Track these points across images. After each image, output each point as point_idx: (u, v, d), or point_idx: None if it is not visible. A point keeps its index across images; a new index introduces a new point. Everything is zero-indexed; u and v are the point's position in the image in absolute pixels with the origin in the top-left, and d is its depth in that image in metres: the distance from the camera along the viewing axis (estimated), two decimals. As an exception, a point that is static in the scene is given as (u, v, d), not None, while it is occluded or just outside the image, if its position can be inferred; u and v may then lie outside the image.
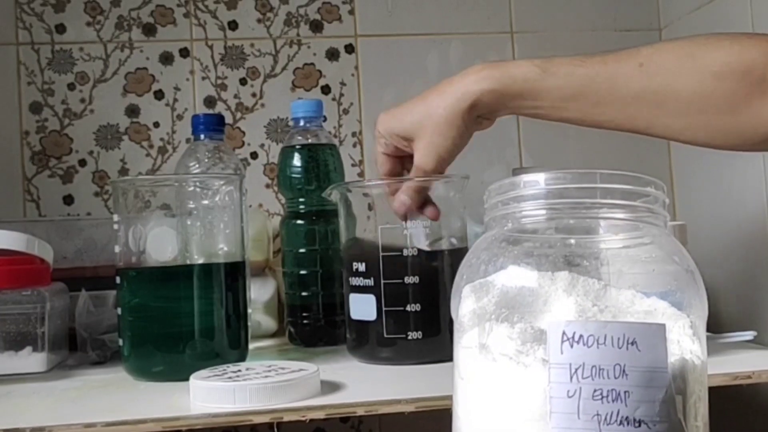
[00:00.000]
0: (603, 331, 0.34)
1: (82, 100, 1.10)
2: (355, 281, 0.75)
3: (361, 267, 0.74)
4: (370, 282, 0.73)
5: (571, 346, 0.34)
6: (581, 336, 0.34)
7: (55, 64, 1.10)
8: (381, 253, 0.73)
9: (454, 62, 1.17)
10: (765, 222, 0.97)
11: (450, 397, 0.58)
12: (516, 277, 0.37)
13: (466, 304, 0.39)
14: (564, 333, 0.34)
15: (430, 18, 1.17)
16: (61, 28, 1.10)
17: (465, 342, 0.39)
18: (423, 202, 0.71)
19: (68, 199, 1.09)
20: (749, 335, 0.76)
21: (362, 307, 0.74)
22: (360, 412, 0.58)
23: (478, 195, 1.19)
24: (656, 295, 0.37)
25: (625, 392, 0.33)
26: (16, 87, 1.09)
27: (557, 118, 0.68)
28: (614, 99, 0.62)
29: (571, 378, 0.34)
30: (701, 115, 0.60)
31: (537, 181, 0.38)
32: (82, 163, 1.10)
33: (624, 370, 0.34)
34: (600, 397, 0.33)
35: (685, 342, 0.36)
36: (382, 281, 0.72)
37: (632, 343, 0.34)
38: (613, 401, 0.33)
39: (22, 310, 0.74)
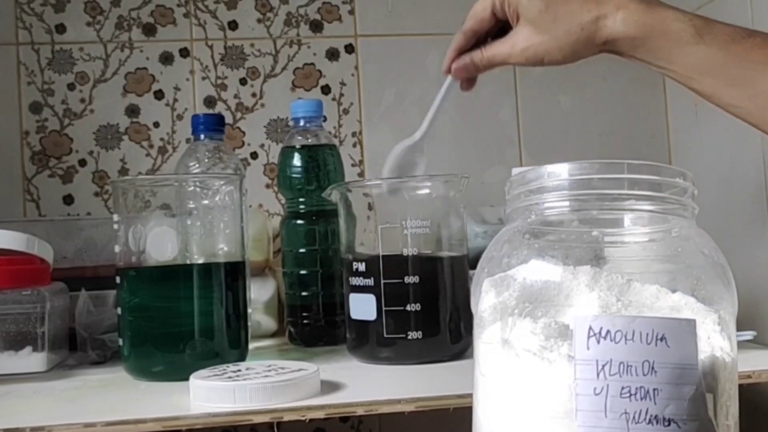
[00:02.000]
0: (631, 326, 0.33)
1: (82, 100, 1.10)
2: (355, 281, 0.75)
3: (361, 267, 0.74)
4: (370, 282, 0.73)
5: (598, 342, 0.33)
6: (608, 331, 0.33)
7: (55, 64, 1.10)
8: (381, 253, 0.73)
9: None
10: (765, 221, 0.97)
11: (450, 398, 0.58)
12: (537, 270, 0.36)
13: (487, 298, 0.38)
14: (590, 328, 0.33)
15: (430, 18, 1.17)
16: (61, 28, 1.10)
17: (486, 337, 0.38)
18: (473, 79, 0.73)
19: (68, 199, 1.09)
20: (749, 335, 0.76)
21: (362, 306, 0.74)
22: (360, 412, 0.58)
23: (478, 195, 1.19)
24: (683, 289, 0.36)
25: (654, 390, 0.32)
26: (16, 87, 1.09)
27: (686, 85, 0.61)
28: (751, 86, 0.58)
29: (598, 375, 0.33)
30: None
31: (561, 171, 0.37)
32: (82, 163, 1.10)
33: (653, 367, 0.33)
34: (628, 394, 0.32)
35: (715, 338, 0.35)
36: (382, 281, 0.72)
37: (661, 339, 0.33)
38: (641, 399, 0.32)
39: (22, 310, 0.74)
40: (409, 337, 0.72)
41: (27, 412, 0.60)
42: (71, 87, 1.10)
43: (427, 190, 0.75)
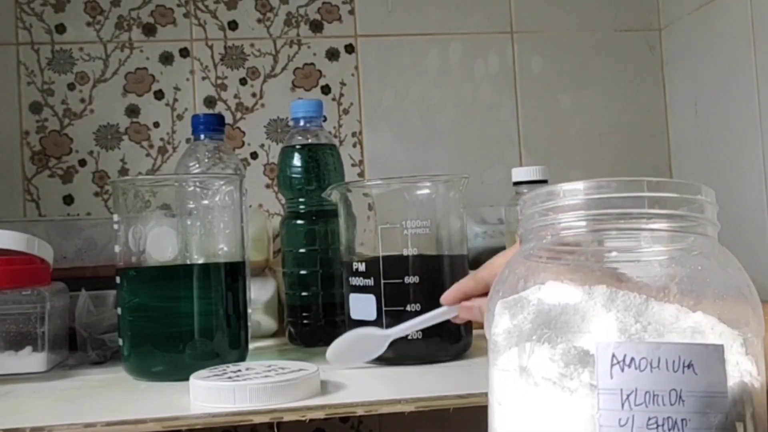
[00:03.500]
0: (656, 353, 0.31)
1: (82, 100, 1.10)
2: (355, 281, 0.75)
3: (361, 267, 0.74)
4: (370, 282, 0.73)
5: (622, 370, 0.31)
6: (632, 359, 0.31)
7: (55, 64, 1.10)
8: (381, 254, 0.73)
9: (454, 62, 1.17)
10: (765, 221, 0.97)
11: (450, 398, 0.58)
12: (553, 292, 0.35)
13: (501, 321, 0.36)
14: (614, 355, 0.31)
15: (430, 18, 1.17)
16: (61, 28, 1.10)
17: (502, 364, 0.36)
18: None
19: (68, 199, 1.09)
20: (749, 335, 0.76)
21: (362, 307, 0.74)
22: (360, 412, 0.58)
23: (478, 195, 1.19)
24: (706, 309, 0.34)
25: (682, 420, 0.31)
26: (16, 87, 1.09)
27: None
28: None
29: (623, 405, 0.31)
30: None
31: (577, 189, 0.35)
32: (82, 163, 1.10)
33: (680, 396, 0.31)
34: (655, 425, 0.31)
35: (743, 363, 0.33)
36: (382, 281, 0.72)
37: (688, 366, 0.31)
38: (669, 430, 0.31)
39: (22, 310, 0.74)
40: (409, 338, 0.72)
41: (27, 412, 0.60)
42: (71, 87, 1.10)
43: (427, 191, 0.75)
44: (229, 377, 0.60)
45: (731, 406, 0.32)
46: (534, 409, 0.34)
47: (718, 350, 0.32)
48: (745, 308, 0.34)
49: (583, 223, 0.35)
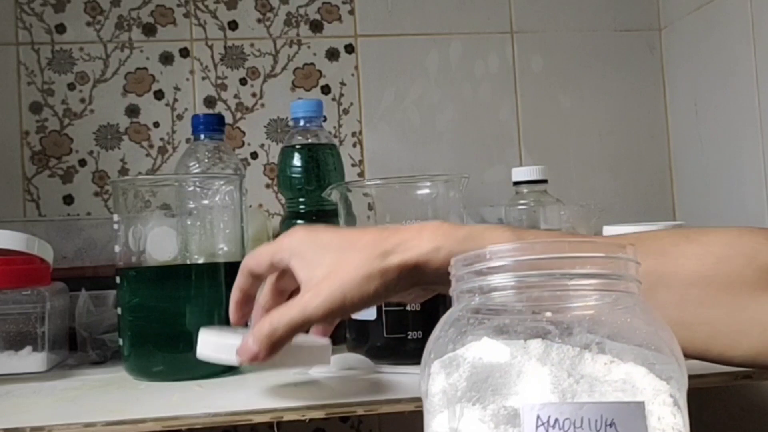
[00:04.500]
0: (579, 413, 0.32)
1: (82, 100, 1.10)
2: (355, 281, 0.74)
3: (361, 267, 0.74)
4: (370, 282, 0.73)
5: (547, 431, 0.32)
6: (557, 420, 0.32)
7: (55, 64, 1.10)
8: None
9: (454, 62, 1.17)
10: (765, 223, 0.97)
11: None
12: (487, 350, 0.35)
13: (437, 381, 0.36)
14: (539, 417, 0.32)
15: (430, 18, 1.17)
16: (61, 28, 1.10)
17: (435, 426, 0.36)
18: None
19: (68, 199, 1.09)
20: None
21: (362, 307, 0.74)
22: (360, 411, 0.58)
23: (478, 195, 1.19)
24: (635, 361, 0.35)
25: None
26: (16, 87, 1.09)
27: None
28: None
29: None
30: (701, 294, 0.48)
31: (504, 252, 0.36)
32: (82, 163, 1.10)
33: None
34: None
35: (666, 417, 0.34)
36: (382, 281, 0.72)
37: (611, 425, 0.32)
38: None
39: (22, 310, 0.74)
40: (409, 337, 0.72)
41: (27, 412, 0.60)
42: (71, 87, 1.10)
43: (427, 191, 0.75)
44: (240, 333, 0.57)
45: None
46: None
47: (639, 407, 0.33)
48: (670, 360, 0.35)
49: (511, 284, 0.36)
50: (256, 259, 0.58)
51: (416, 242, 0.51)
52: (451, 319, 0.38)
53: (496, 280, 0.36)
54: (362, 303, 0.50)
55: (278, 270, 0.58)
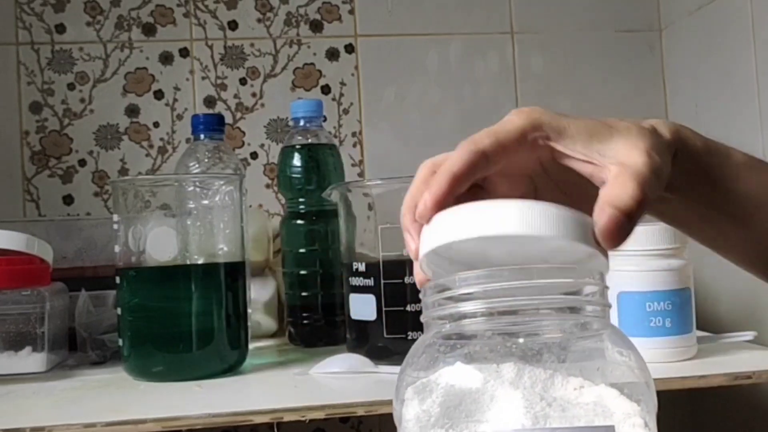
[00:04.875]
0: None
1: (82, 100, 1.10)
2: (355, 281, 0.75)
3: (361, 267, 0.74)
4: (370, 282, 0.73)
5: None
6: None
7: (55, 64, 1.10)
8: (381, 254, 0.73)
9: (454, 62, 1.17)
10: (765, 222, 0.97)
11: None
12: (459, 375, 0.35)
13: (410, 408, 0.36)
14: None
15: (430, 18, 1.17)
16: (61, 28, 1.10)
17: None
18: None
19: (68, 199, 1.09)
20: (749, 335, 0.76)
21: (362, 307, 0.74)
22: (360, 412, 0.58)
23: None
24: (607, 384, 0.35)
25: None
26: (16, 87, 1.09)
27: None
28: None
29: None
30: None
31: (473, 279, 0.36)
32: (82, 163, 1.10)
33: None
34: None
35: None
36: (382, 281, 0.72)
37: None
38: None
39: (22, 310, 0.74)
40: (409, 338, 0.72)
41: (27, 412, 0.60)
42: (71, 87, 1.10)
43: (427, 190, 0.75)
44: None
45: None
46: None
47: (610, 431, 0.33)
48: (640, 384, 0.36)
49: (481, 311, 0.36)
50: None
51: None
52: (423, 345, 0.38)
53: (467, 307, 0.36)
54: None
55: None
